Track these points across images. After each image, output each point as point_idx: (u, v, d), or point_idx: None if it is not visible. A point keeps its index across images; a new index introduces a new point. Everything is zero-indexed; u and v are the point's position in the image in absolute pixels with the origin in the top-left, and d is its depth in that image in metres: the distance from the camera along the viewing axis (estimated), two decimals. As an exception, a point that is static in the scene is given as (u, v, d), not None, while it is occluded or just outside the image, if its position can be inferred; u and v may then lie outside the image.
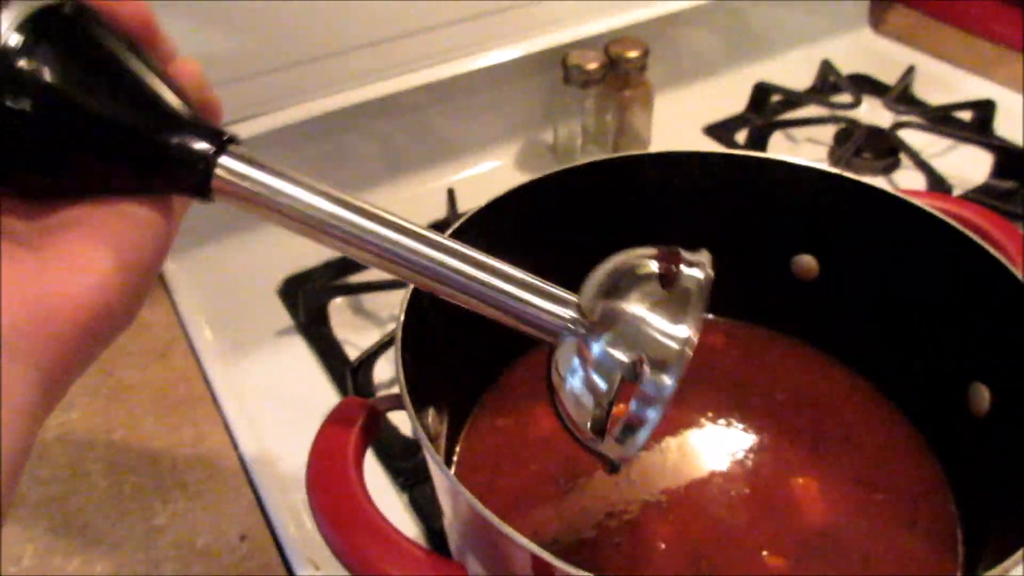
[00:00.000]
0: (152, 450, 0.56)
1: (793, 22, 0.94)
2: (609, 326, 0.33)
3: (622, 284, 0.34)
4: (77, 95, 0.27)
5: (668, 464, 0.46)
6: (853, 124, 0.81)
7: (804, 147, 0.83)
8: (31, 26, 0.26)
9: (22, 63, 0.26)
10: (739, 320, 0.53)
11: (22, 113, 0.26)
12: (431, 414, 0.41)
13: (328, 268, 0.70)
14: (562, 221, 0.50)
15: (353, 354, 0.59)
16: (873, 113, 0.84)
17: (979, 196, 0.73)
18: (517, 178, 0.47)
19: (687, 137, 0.84)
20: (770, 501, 0.44)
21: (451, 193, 0.73)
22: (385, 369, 0.59)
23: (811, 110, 0.86)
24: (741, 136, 0.83)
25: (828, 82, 0.90)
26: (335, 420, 0.36)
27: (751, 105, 0.87)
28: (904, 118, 0.82)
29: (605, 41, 0.76)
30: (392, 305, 0.66)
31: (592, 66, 0.73)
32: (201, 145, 0.29)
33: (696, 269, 0.35)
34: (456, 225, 0.44)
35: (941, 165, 0.75)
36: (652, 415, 0.32)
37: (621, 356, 0.32)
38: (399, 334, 0.38)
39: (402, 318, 0.39)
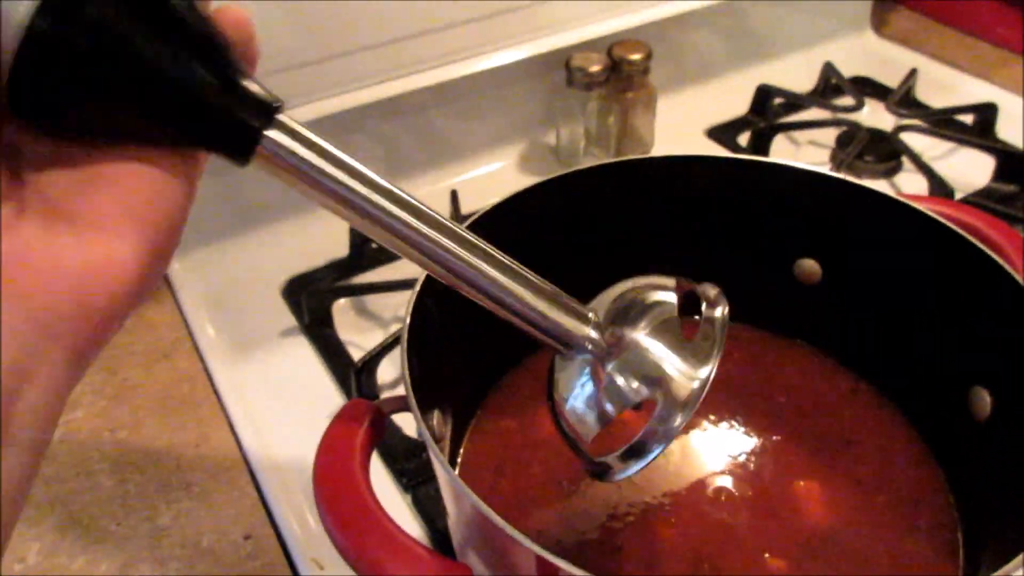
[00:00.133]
0: (156, 450, 0.56)
1: (795, 25, 0.95)
2: (627, 354, 0.34)
3: (642, 313, 0.35)
4: (138, 40, 0.25)
5: (670, 466, 0.47)
6: (855, 127, 0.81)
7: (806, 150, 0.83)
8: None
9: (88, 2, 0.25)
10: (741, 323, 0.54)
11: (83, 50, 0.24)
12: (436, 416, 0.42)
13: (332, 269, 0.70)
14: (566, 224, 0.50)
15: (357, 355, 0.60)
16: (875, 116, 0.84)
17: (981, 199, 0.73)
18: (520, 180, 0.47)
19: (689, 139, 0.84)
20: (772, 504, 0.44)
21: (454, 194, 0.73)
22: (388, 370, 0.59)
23: (813, 113, 0.86)
24: (743, 139, 0.84)
25: (830, 85, 0.90)
26: (341, 421, 0.37)
27: (753, 108, 0.87)
28: (906, 121, 0.82)
29: (608, 43, 0.76)
30: (395, 306, 0.66)
31: (595, 68, 0.73)
32: (252, 111, 0.28)
33: (718, 309, 0.36)
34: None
35: (943, 168, 0.75)
36: (656, 449, 0.34)
37: (637, 388, 0.33)
38: (405, 336, 0.38)
39: (408, 320, 0.39)
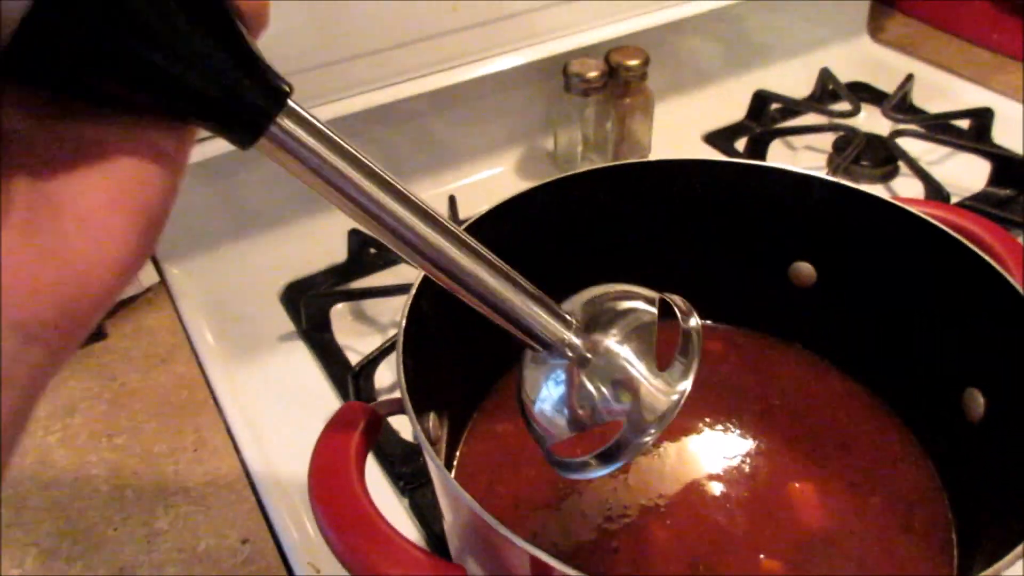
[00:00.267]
0: (154, 455, 0.56)
1: (792, 31, 0.95)
2: (604, 362, 0.34)
3: (616, 321, 0.35)
4: (150, 5, 0.24)
5: (666, 469, 0.47)
6: (852, 132, 0.81)
7: (803, 155, 0.83)
8: None
9: None
10: (737, 326, 0.54)
11: (94, 10, 0.23)
12: (432, 419, 0.42)
13: (330, 274, 0.70)
14: (562, 228, 0.50)
15: (354, 359, 0.60)
16: (872, 121, 0.85)
17: (977, 204, 0.73)
18: (518, 185, 0.47)
19: (687, 145, 0.84)
20: (767, 505, 0.45)
21: (452, 200, 0.73)
22: (386, 374, 0.59)
23: (810, 118, 0.86)
24: (741, 144, 0.84)
25: (827, 90, 0.90)
26: (337, 424, 0.37)
27: (750, 113, 0.87)
28: (902, 126, 0.82)
29: (605, 49, 0.76)
30: (393, 311, 0.67)
31: (592, 74, 0.74)
32: (264, 92, 0.26)
33: (692, 320, 0.36)
34: (457, 232, 0.45)
35: (939, 173, 0.76)
36: (626, 459, 0.34)
37: (613, 398, 0.34)
38: (400, 340, 0.38)
39: (403, 324, 0.39)
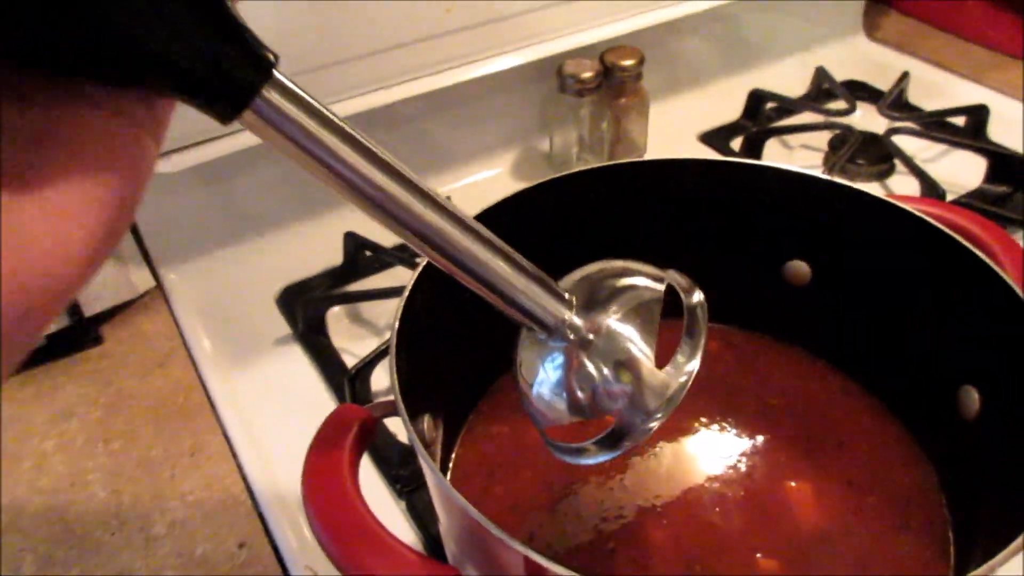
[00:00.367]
0: (151, 459, 0.56)
1: (787, 29, 0.95)
2: (606, 343, 0.32)
3: (615, 299, 0.33)
4: None
5: (662, 469, 0.47)
6: (848, 130, 0.81)
7: (799, 153, 0.83)
8: None
9: None
10: (732, 325, 0.54)
11: None
12: (426, 421, 0.42)
13: (326, 277, 0.70)
14: (557, 228, 0.50)
15: (351, 362, 0.60)
16: (867, 119, 0.85)
17: (973, 201, 0.73)
18: (514, 186, 0.47)
19: (683, 145, 0.84)
20: (764, 505, 0.44)
21: (448, 201, 0.73)
22: (383, 377, 0.59)
23: (806, 117, 0.86)
24: (736, 143, 0.84)
25: (823, 89, 0.90)
26: (331, 426, 0.37)
27: (746, 112, 0.87)
28: (898, 124, 0.82)
29: (600, 50, 0.76)
30: (389, 314, 0.66)
31: (587, 75, 0.74)
32: (250, 62, 0.24)
33: (695, 295, 0.35)
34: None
35: (935, 170, 0.75)
36: (630, 443, 0.33)
37: (617, 381, 0.32)
38: (394, 341, 0.38)
39: (397, 325, 0.39)
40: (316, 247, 0.71)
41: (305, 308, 0.65)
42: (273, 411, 0.59)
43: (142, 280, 0.69)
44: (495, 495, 0.46)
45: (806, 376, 0.51)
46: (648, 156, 0.79)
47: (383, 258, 0.69)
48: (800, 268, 0.51)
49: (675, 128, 0.85)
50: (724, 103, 0.88)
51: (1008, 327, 0.39)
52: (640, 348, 0.33)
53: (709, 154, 0.82)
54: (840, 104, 0.86)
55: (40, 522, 0.52)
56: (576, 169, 0.49)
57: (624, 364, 0.33)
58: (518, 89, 0.79)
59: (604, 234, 0.51)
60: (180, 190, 0.68)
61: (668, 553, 0.43)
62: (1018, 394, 0.38)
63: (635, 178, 0.50)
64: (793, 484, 0.45)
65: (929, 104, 0.87)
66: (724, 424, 0.49)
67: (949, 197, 0.73)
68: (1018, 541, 0.29)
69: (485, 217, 0.46)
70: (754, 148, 0.81)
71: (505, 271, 0.31)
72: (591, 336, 0.33)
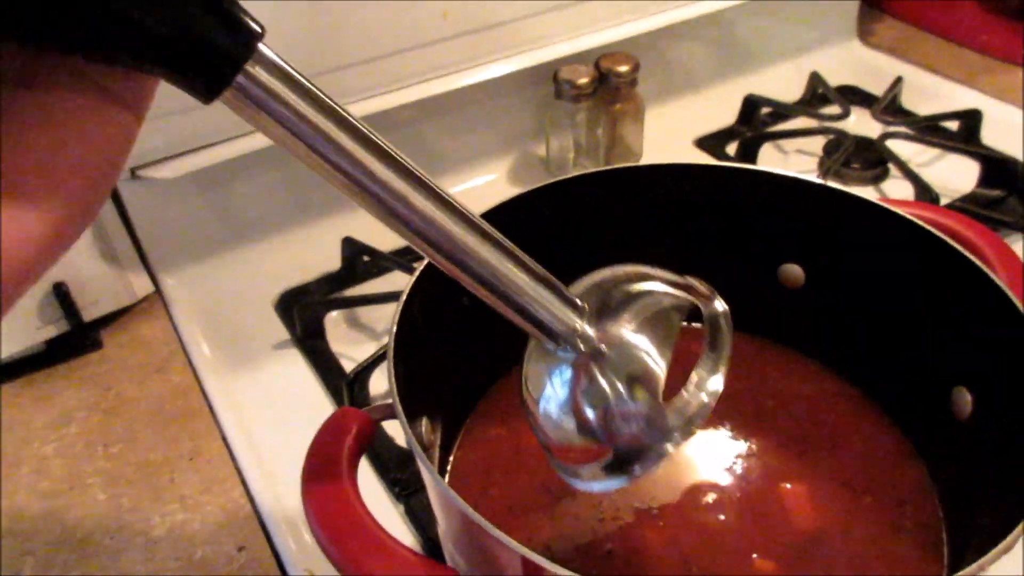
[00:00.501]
0: (150, 463, 0.57)
1: (782, 35, 0.96)
2: (620, 355, 0.30)
3: (629, 306, 0.31)
4: None
5: (659, 471, 0.47)
6: (842, 135, 0.82)
7: (794, 158, 0.84)
8: None
9: None
10: (728, 328, 0.54)
11: None
12: (424, 424, 0.42)
13: (324, 282, 0.70)
14: (554, 233, 0.51)
15: (349, 367, 0.60)
16: (862, 124, 0.85)
17: (966, 204, 0.74)
18: (511, 191, 0.48)
19: (678, 150, 0.85)
20: (759, 506, 0.45)
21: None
22: (381, 381, 0.59)
23: (800, 122, 0.87)
24: (732, 148, 0.84)
25: (817, 94, 0.91)
26: (329, 429, 0.37)
27: (741, 117, 0.88)
28: (892, 128, 0.83)
29: (595, 56, 0.77)
30: (387, 318, 0.66)
31: (583, 81, 0.74)
32: (233, 36, 0.22)
33: (717, 303, 0.32)
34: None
35: (929, 174, 0.76)
36: (647, 468, 0.30)
37: (633, 399, 0.29)
38: (391, 345, 0.39)
39: (395, 329, 0.39)
40: (314, 252, 0.72)
41: (303, 313, 0.65)
42: (272, 415, 0.59)
43: (141, 285, 0.69)
44: (493, 497, 0.46)
45: (801, 378, 0.51)
46: (644, 161, 0.80)
47: (381, 263, 0.70)
48: (795, 271, 0.51)
49: (671, 133, 0.86)
50: (719, 108, 0.89)
51: (1000, 329, 0.40)
52: (657, 362, 0.30)
53: (704, 159, 0.83)
54: (834, 109, 0.87)
55: (40, 526, 0.53)
56: (572, 174, 0.49)
57: (640, 380, 0.30)
58: (514, 95, 0.80)
59: (600, 238, 0.51)
60: (178, 196, 0.68)
61: (665, 554, 0.43)
62: (1010, 395, 0.39)
63: (631, 183, 0.50)
64: (789, 486, 0.46)
65: (923, 109, 0.88)
66: (720, 426, 0.49)
67: (943, 201, 0.74)
68: (1007, 540, 0.30)
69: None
70: (749, 153, 0.82)
71: (512, 274, 0.28)
72: (604, 347, 0.30)
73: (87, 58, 0.21)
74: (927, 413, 0.45)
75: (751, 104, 0.87)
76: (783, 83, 0.92)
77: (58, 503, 0.54)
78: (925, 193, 0.73)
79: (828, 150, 0.82)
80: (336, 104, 0.25)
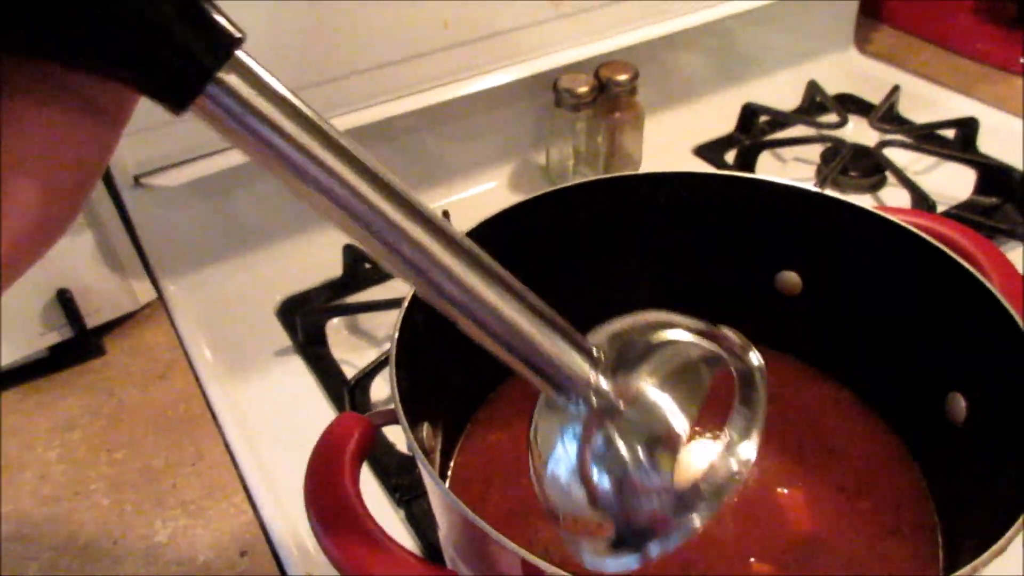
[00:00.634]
0: (153, 469, 0.57)
1: (780, 44, 0.96)
2: (640, 413, 0.26)
3: (652, 358, 0.27)
4: None
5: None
6: (839, 143, 0.82)
7: (792, 166, 0.84)
8: None
9: None
10: (726, 335, 0.55)
11: None
12: (426, 429, 0.42)
13: (326, 289, 0.71)
14: (554, 240, 0.51)
15: (350, 373, 0.60)
16: (859, 132, 0.86)
17: (963, 212, 0.74)
18: (511, 199, 0.48)
19: (677, 158, 0.86)
20: (757, 510, 0.45)
21: (446, 214, 0.74)
22: (382, 387, 0.60)
23: (798, 130, 0.87)
24: (730, 156, 0.85)
25: (815, 102, 0.92)
26: (331, 434, 0.37)
27: (739, 126, 0.89)
28: (889, 136, 0.84)
29: (595, 65, 0.77)
30: (388, 324, 0.67)
31: (583, 89, 0.75)
32: (205, 42, 0.20)
33: (752, 357, 0.28)
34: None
35: (926, 182, 0.77)
36: (662, 545, 0.27)
37: (653, 464, 0.26)
38: (393, 351, 0.39)
39: (396, 335, 0.40)
40: (315, 259, 0.72)
41: (305, 320, 0.66)
42: (274, 421, 0.60)
43: (144, 292, 0.70)
44: (494, 502, 0.47)
45: (797, 384, 0.52)
46: (643, 169, 0.80)
47: (381, 270, 0.70)
48: (792, 278, 0.52)
49: (670, 141, 0.87)
50: (718, 117, 0.90)
51: (993, 335, 0.40)
52: (682, 423, 0.26)
53: (703, 167, 0.84)
54: (832, 117, 0.88)
55: (44, 531, 0.53)
56: (572, 182, 0.50)
57: (661, 443, 0.26)
58: (514, 104, 0.80)
59: (599, 245, 0.52)
60: (180, 204, 0.68)
61: (663, 558, 0.43)
62: (1004, 400, 0.39)
63: (630, 191, 0.51)
64: (786, 490, 0.46)
65: (920, 117, 0.89)
66: (717, 432, 0.49)
67: (940, 208, 0.74)
68: (1001, 542, 0.30)
69: (483, 229, 0.47)
70: (747, 161, 0.82)
71: (518, 318, 0.25)
72: (621, 404, 0.26)
73: (55, 63, 0.20)
74: (923, 418, 0.45)
75: (749, 112, 0.88)
76: (781, 92, 0.93)
77: (61, 509, 0.54)
78: (922, 201, 0.74)
79: (826, 158, 0.82)
80: (321, 119, 0.23)
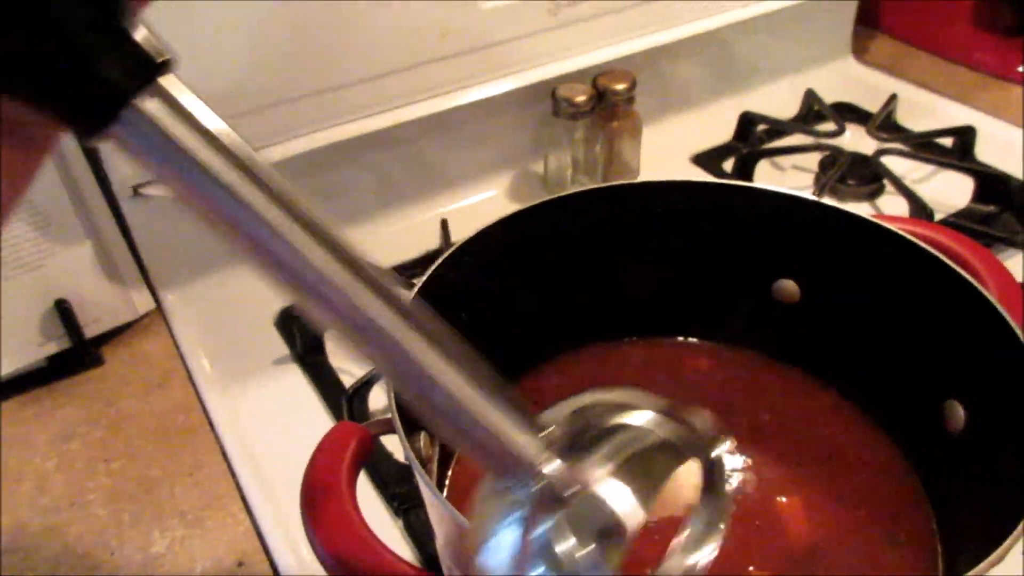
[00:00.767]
0: (151, 479, 0.57)
1: (777, 53, 0.97)
2: (590, 505, 0.24)
3: (614, 447, 0.25)
4: None
5: (656, 485, 0.47)
6: (837, 151, 0.83)
7: (790, 175, 0.84)
8: None
9: None
10: (723, 343, 0.55)
11: None
12: (423, 438, 0.42)
13: (324, 298, 0.71)
14: (552, 249, 0.51)
15: (349, 382, 0.60)
16: (857, 140, 0.86)
17: (961, 220, 0.74)
18: (509, 208, 0.48)
19: (675, 166, 0.86)
20: (756, 519, 0.45)
21: (444, 223, 0.74)
22: (380, 397, 0.60)
23: (796, 138, 0.87)
24: (728, 165, 0.85)
25: (812, 111, 0.92)
26: (329, 443, 0.37)
27: (737, 134, 0.89)
28: (887, 145, 0.84)
29: (593, 74, 0.78)
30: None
31: (580, 98, 0.75)
32: (124, 65, 0.19)
33: (717, 447, 0.26)
34: (448, 252, 0.46)
35: (924, 190, 0.77)
36: None
37: (595, 560, 0.23)
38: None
39: (394, 344, 0.40)
40: (314, 268, 0.72)
41: (303, 329, 0.66)
42: (272, 430, 0.60)
43: (142, 302, 0.70)
44: (491, 511, 0.46)
45: (796, 392, 0.52)
46: (641, 178, 0.80)
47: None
48: (790, 287, 0.52)
49: (668, 150, 0.87)
50: (716, 125, 0.90)
51: (991, 343, 0.40)
52: (635, 515, 0.24)
53: (701, 175, 0.84)
54: (830, 126, 0.88)
55: (41, 542, 0.53)
56: (570, 190, 0.50)
57: (611, 536, 0.24)
58: (512, 113, 0.81)
59: (596, 254, 0.52)
60: (179, 214, 0.68)
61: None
62: (1001, 408, 0.39)
63: (628, 199, 0.51)
64: (784, 499, 0.46)
65: (917, 125, 0.89)
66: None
67: (938, 216, 0.75)
68: (999, 550, 0.30)
69: (481, 237, 0.47)
70: (746, 169, 0.83)
71: (462, 390, 0.22)
72: (569, 493, 0.24)
73: None
74: (921, 426, 0.45)
75: (747, 121, 0.88)
76: (779, 100, 0.93)
77: (59, 519, 0.54)
78: (920, 209, 0.74)
79: (824, 166, 0.82)
80: (253, 158, 0.21)
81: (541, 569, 0.23)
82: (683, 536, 0.27)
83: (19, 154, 0.20)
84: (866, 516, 0.45)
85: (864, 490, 0.46)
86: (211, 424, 0.61)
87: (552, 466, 0.23)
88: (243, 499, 0.55)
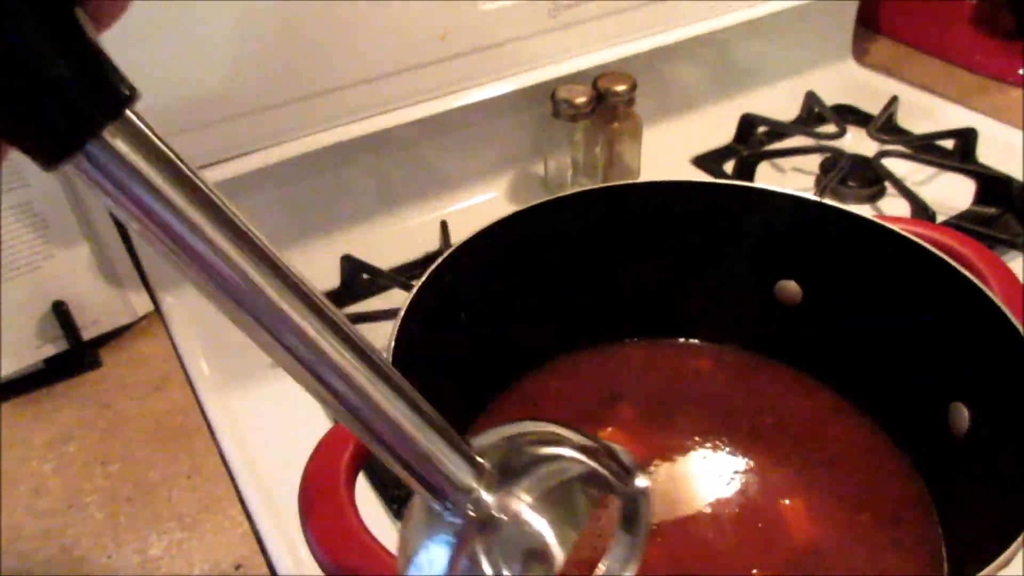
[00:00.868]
0: (148, 481, 0.57)
1: (778, 55, 0.96)
2: (517, 529, 0.25)
3: (540, 475, 0.26)
4: None
5: (657, 487, 0.47)
6: (838, 153, 0.82)
7: (790, 177, 0.84)
8: None
9: None
10: (725, 345, 0.54)
11: None
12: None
13: (323, 300, 0.70)
14: (552, 249, 0.51)
15: (347, 384, 0.60)
16: (858, 142, 0.86)
17: (963, 222, 0.74)
18: (510, 210, 0.48)
19: (676, 168, 0.85)
20: (758, 522, 0.45)
21: (444, 225, 0.74)
22: (379, 398, 0.59)
23: (797, 140, 0.87)
24: (729, 166, 0.85)
25: (813, 113, 0.92)
26: (326, 445, 0.37)
27: (738, 136, 0.89)
28: (888, 147, 0.83)
29: (593, 76, 0.77)
30: (385, 335, 0.67)
31: (580, 100, 0.75)
32: (93, 97, 0.19)
33: (638, 480, 0.28)
34: (448, 253, 0.46)
35: (925, 192, 0.76)
36: None
37: None
38: (389, 362, 0.39)
39: (392, 346, 0.40)
40: (313, 270, 0.72)
41: (302, 331, 0.65)
42: (270, 432, 0.59)
43: (140, 304, 0.69)
44: (491, 514, 0.46)
45: (798, 394, 0.51)
46: (642, 179, 0.80)
47: (379, 281, 0.70)
48: (792, 288, 0.51)
49: (668, 152, 0.86)
50: (716, 127, 0.90)
51: (996, 345, 0.40)
52: (561, 542, 0.25)
53: (702, 177, 0.83)
54: (830, 128, 0.88)
55: (38, 544, 0.53)
56: (571, 191, 0.50)
57: (535, 557, 0.25)
58: (513, 114, 0.80)
59: (598, 255, 0.52)
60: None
61: (664, 571, 0.43)
62: (1006, 410, 0.39)
63: (629, 200, 0.51)
64: (787, 502, 0.46)
65: (918, 127, 0.89)
66: (718, 443, 0.49)
67: (939, 218, 0.74)
68: (1005, 554, 0.30)
69: (480, 238, 0.47)
70: (746, 171, 0.82)
71: (398, 415, 0.24)
72: (498, 516, 0.25)
73: None
74: (925, 429, 0.45)
75: (748, 123, 0.88)
76: (779, 102, 0.93)
77: (56, 522, 0.54)
78: (921, 211, 0.74)
79: (825, 168, 0.82)
80: (211, 190, 0.22)
81: None
82: (603, 568, 0.28)
83: None
84: (869, 519, 0.44)
85: (867, 493, 0.46)
86: (209, 426, 0.60)
87: (485, 493, 0.25)
88: (241, 502, 0.55)
